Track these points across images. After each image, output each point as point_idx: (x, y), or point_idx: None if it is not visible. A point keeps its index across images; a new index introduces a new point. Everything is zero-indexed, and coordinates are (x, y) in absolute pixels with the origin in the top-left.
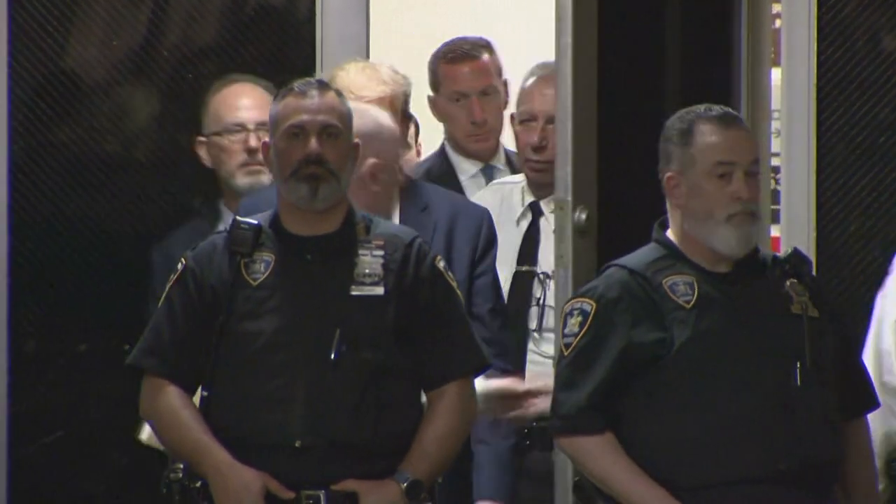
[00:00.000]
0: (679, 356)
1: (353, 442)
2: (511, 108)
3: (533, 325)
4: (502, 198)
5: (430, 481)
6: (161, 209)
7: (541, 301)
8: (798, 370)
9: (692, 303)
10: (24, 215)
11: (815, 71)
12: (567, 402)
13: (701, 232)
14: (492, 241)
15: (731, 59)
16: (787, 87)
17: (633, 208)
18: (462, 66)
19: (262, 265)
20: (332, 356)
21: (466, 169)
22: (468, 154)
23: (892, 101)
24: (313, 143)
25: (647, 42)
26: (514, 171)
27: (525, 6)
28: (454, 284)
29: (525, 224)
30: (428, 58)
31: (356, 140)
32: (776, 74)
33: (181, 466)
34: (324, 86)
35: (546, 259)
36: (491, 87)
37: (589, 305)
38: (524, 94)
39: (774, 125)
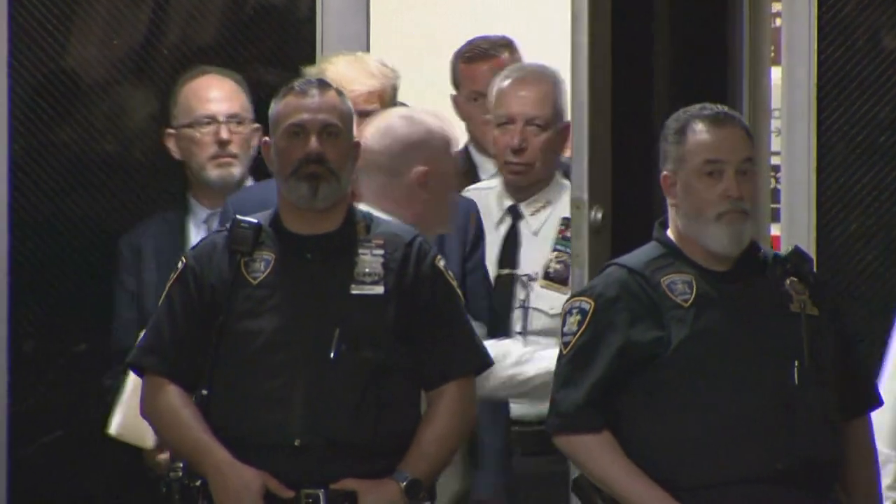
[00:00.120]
0: (677, 355)
1: (353, 441)
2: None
3: (518, 327)
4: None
5: (430, 481)
6: (161, 209)
7: (525, 303)
8: (796, 369)
9: (690, 301)
10: (25, 215)
11: (816, 70)
12: (565, 400)
13: (694, 230)
14: (480, 233)
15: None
16: (788, 86)
17: (646, 207)
18: (480, 66)
19: (262, 264)
20: (332, 355)
21: (489, 168)
22: (490, 154)
23: (892, 100)
24: (313, 142)
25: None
26: None
27: (525, 6)
28: (454, 284)
29: (504, 228)
30: (428, 58)
31: (357, 139)
32: (776, 73)
33: (181, 465)
34: (324, 85)
35: (528, 261)
36: None
37: (588, 304)
38: (500, 97)
39: (774, 124)
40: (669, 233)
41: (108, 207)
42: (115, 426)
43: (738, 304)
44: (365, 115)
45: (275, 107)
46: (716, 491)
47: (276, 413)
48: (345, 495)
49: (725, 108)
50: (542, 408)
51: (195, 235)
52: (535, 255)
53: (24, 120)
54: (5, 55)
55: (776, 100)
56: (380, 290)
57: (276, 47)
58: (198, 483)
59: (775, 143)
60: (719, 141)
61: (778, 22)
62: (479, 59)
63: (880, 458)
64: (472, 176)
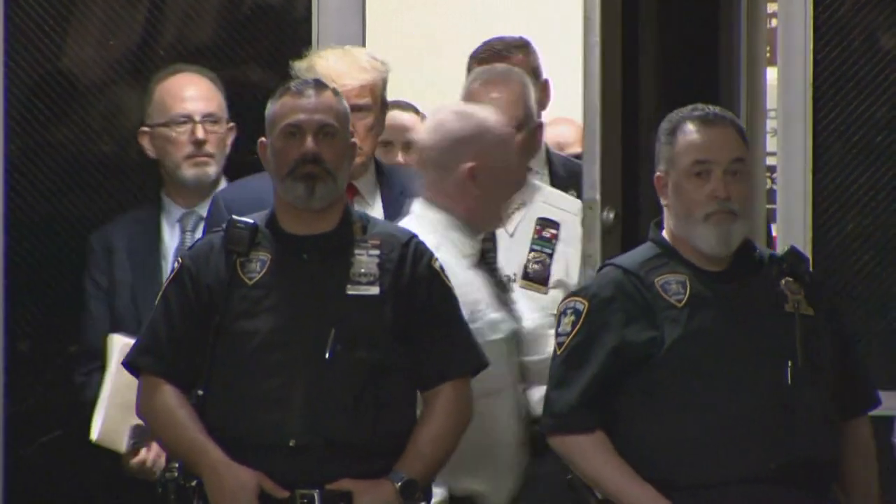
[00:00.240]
0: (670, 355)
1: (351, 441)
2: (547, 109)
3: None
4: None
5: (425, 481)
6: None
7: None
8: (789, 369)
9: (684, 301)
10: (21, 215)
11: (812, 70)
12: (559, 400)
13: (685, 231)
14: None
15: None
16: (784, 87)
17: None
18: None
19: (258, 264)
20: (327, 355)
21: None
22: None
23: (888, 100)
24: (310, 142)
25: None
26: (553, 172)
27: (525, 6)
28: (450, 285)
29: None
30: (428, 58)
31: (353, 139)
32: (772, 74)
33: (177, 465)
34: (321, 85)
35: (506, 262)
36: None
37: (582, 304)
38: (471, 101)
39: (770, 124)
40: (665, 233)
41: (105, 208)
42: (96, 431)
43: (732, 304)
44: (356, 109)
45: (271, 107)
46: (711, 490)
47: (272, 413)
48: (340, 496)
49: (717, 109)
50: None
51: (168, 234)
52: (513, 256)
53: (21, 120)
54: (2, 55)
55: (772, 100)
56: (375, 290)
57: (272, 47)
58: (193, 483)
59: (771, 144)
60: (708, 141)
61: (774, 22)
62: (493, 59)
63: None
64: None
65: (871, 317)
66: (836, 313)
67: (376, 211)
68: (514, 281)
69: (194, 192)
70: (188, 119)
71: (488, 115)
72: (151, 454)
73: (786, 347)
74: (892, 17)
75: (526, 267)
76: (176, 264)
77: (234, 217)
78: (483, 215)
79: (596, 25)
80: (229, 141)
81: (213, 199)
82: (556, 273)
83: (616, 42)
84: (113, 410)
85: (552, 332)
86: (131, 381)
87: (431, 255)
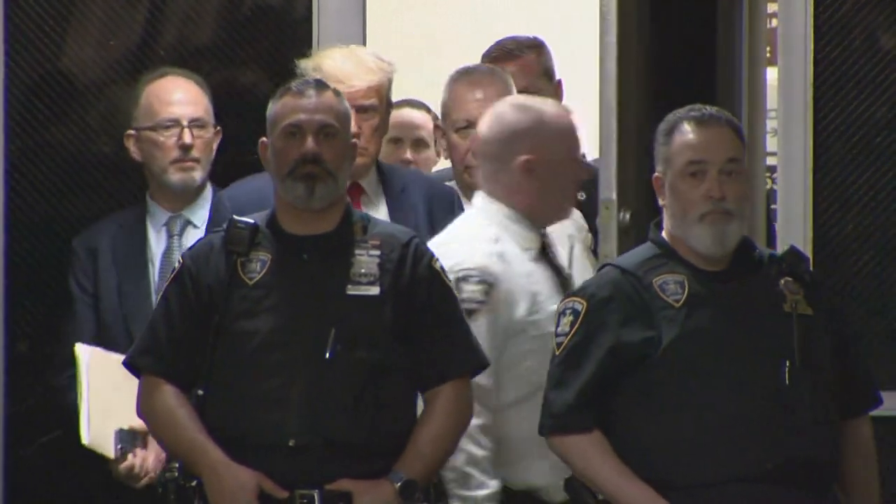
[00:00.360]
0: (667, 355)
1: (351, 441)
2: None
3: None
4: None
5: (425, 481)
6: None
7: None
8: (787, 369)
9: (682, 301)
10: (21, 215)
11: (812, 70)
12: (557, 400)
13: (681, 231)
14: None
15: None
16: (784, 86)
17: None
18: (505, 66)
19: (259, 264)
20: (328, 355)
21: None
22: None
23: (889, 100)
24: (310, 142)
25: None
26: None
27: (525, 6)
28: (451, 285)
29: None
30: (428, 58)
31: (354, 140)
32: (772, 74)
33: (176, 465)
34: (321, 85)
35: None
36: (532, 87)
37: (580, 305)
38: (456, 102)
39: (770, 124)
40: (664, 233)
41: (105, 208)
42: (86, 436)
43: (730, 304)
44: (363, 110)
45: (272, 107)
46: (708, 490)
47: (272, 413)
48: (339, 496)
49: (714, 110)
50: None
51: (154, 238)
52: None
53: (21, 120)
54: (2, 56)
55: (772, 100)
56: (375, 290)
57: (272, 48)
58: (193, 483)
59: (771, 144)
60: (703, 142)
61: (774, 22)
62: (505, 59)
63: None
64: None
65: (871, 317)
66: (837, 313)
67: (381, 210)
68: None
69: (180, 197)
70: (175, 123)
71: (548, 107)
72: (139, 459)
73: (784, 347)
74: (892, 17)
75: None
76: (177, 264)
77: (235, 217)
78: (542, 208)
79: (613, 26)
80: (215, 146)
81: (217, 198)
82: None
83: (632, 42)
84: (95, 417)
85: None
86: (107, 387)
87: (432, 255)
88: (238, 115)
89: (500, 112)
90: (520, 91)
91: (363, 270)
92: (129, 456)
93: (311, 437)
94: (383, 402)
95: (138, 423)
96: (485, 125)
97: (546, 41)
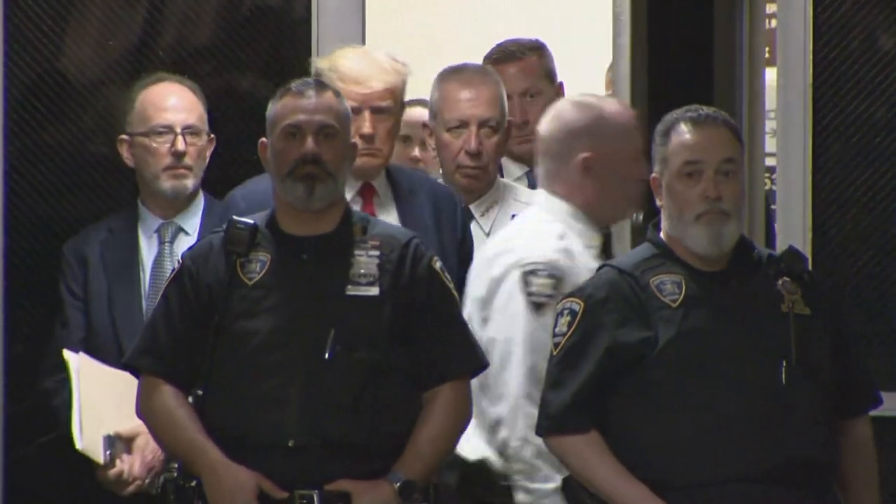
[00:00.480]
0: (664, 355)
1: (350, 442)
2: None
3: None
4: None
5: (424, 482)
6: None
7: None
8: (784, 369)
9: (679, 302)
10: (20, 216)
11: (811, 70)
12: (554, 401)
13: (677, 231)
14: (468, 227)
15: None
16: (783, 87)
17: None
18: (507, 67)
19: (258, 265)
20: (327, 356)
21: (512, 171)
22: (513, 156)
23: (888, 101)
24: (310, 142)
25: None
26: None
27: (524, 6)
28: (451, 285)
29: None
30: (428, 58)
31: (353, 140)
32: (770, 74)
33: (175, 466)
34: (321, 86)
35: None
36: (533, 89)
37: (577, 305)
38: (447, 102)
39: (770, 125)
40: (661, 234)
41: (104, 208)
42: (79, 441)
43: (728, 304)
44: (378, 111)
45: (272, 107)
46: (705, 490)
47: (272, 413)
48: (338, 496)
49: (711, 110)
50: None
51: (145, 245)
52: None
53: (20, 121)
54: (1, 55)
55: (771, 101)
56: (375, 291)
57: (271, 48)
58: (192, 483)
59: (771, 144)
60: (699, 142)
61: (773, 23)
62: (506, 60)
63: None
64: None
65: (871, 317)
66: (837, 313)
67: (392, 211)
68: None
69: (171, 204)
70: (169, 130)
71: (608, 105)
72: (127, 466)
73: (780, 347)
74: (891, 18)
75: None
76: (177, 264)
77: (234, 217)
78: (602, 207)
79: (626, 27)
80: (209, 153)
81: (228, 199)
82: None
83: (644, 43)
84: (87, 422)
85: None
86: (96, 393)
87: (432, 255)
88: (236, 116)
89: (560, 110)
90: (520, 93)
91: (362, 271)
92: (118, 462)
93: (311, 438)
94: (382, 403)
95: (125, 429)
96: (544, 123)
97: (546, 42)
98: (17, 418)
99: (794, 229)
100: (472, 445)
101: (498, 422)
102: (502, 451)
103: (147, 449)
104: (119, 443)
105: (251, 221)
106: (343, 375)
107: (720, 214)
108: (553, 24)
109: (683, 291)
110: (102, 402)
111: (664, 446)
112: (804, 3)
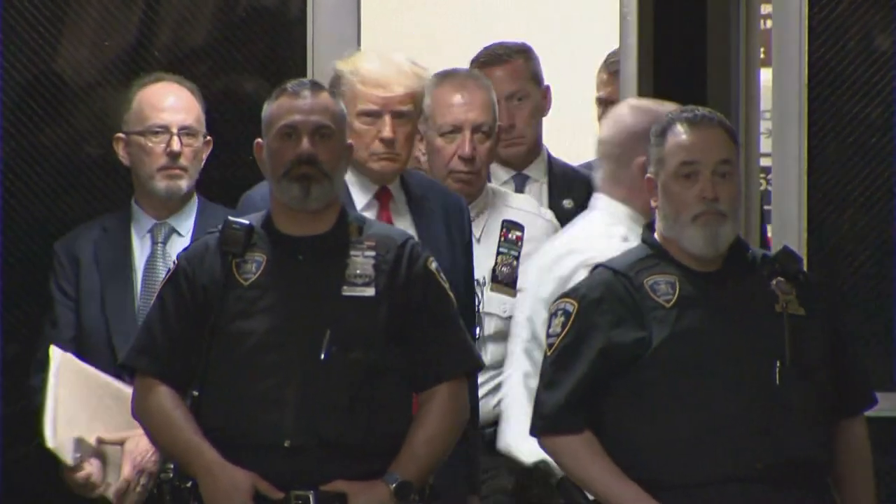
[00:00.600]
0: (657, 355)
1: (346, 442)
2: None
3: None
4: None
5: (420, 482)
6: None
7: (477, 309)
8: (778, 369)
9: (672, 302)
10: (16, 216)
11: (807, 71)
12: (548, 401)
13: (673, 232)
14: (471, 232)
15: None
16: (778, 87)
17: None
18: (494, 70)
19: (254, 265)
20: (322, 356)
21: (500, 175)
22: (500, 160)
23: (883, 101)
24: (305, 143)
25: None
26: (552, 182)
27: (524, 6)
28: (446, 286)
29: None
30: (428, 58)
31: (350, 141)
32: (766, 75)
33: (171, 466)
34: (317, 86)
35: (475, 266)
36: (520, 92)
37: (571, 306)
38: (440, 107)
39: (765, 125)
40: (656, 235)
41: (100, 209)
42: (50, 438)
43: (722, 305)
44: (399, 115)
45: (268, 108)
46: (699, 490)
47: (268, 414)
48: (335, 496)
49: (707, 111)
50: None
51: (137, 245)
52: (481, 260)
53: (15, 122)
54: None
55: (766, 101)
56: (371, 291)
57: (266, 49)
58: (188, 484)
59: (766, 145)
60: (696, 143)
61: (768, 23)
62: (493, 63)
63: None
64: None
65: (866, 318)
66: (833, 313)
67: (406, 215)
68: (484, 286)
69: (165, 204)
70: (165, 130)
71: (666, 108)
72: (95, 469)
73: (775, 347)
74: (886, 18)
75: (494, 270)
76: (172, 265)
77: (230, 218)
78: None
79: (633, 27)
80: (205, 155)
81: (245, 199)
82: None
83: (650, 43)
84: (60, 420)
85: None
86: (74, 395)
87: (427, 255)
88: (232, 117)
89: (619, 114)
90: (507, 96)
91: (358, 271)
92: (86, 465)
93: (307, 438)
94: (379, 403)
95: (112, 436)
96: (604, 127)
97: (546, 42)
98: (13, 419)
99: (789, 230)
100: (529, 447)
101: None
102: None
103: (136, 452)
104: (89, 449)
105: (246, 222)
106: (339, 376)
107: (717, 215)
108: (553, 24)
109: (677, 292)
110: (79, 405)
111: (658, 446)
112: (799, 3)
